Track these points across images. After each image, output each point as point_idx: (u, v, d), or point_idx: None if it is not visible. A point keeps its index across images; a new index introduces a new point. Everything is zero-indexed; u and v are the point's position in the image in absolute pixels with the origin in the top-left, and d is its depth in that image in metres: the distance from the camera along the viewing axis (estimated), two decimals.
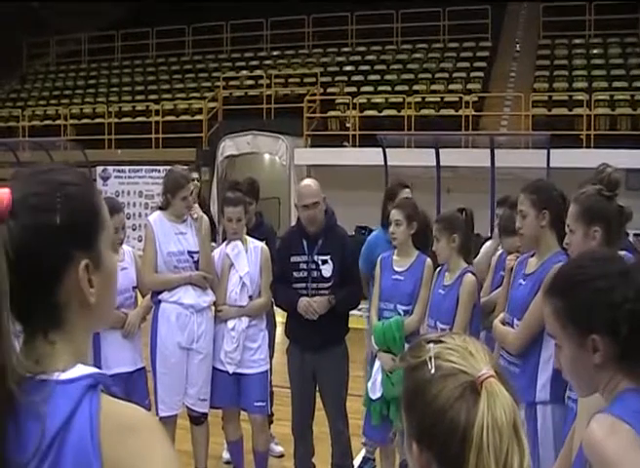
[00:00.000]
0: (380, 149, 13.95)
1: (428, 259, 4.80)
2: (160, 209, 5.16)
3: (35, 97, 23.14)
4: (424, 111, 16.76)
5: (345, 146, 16.32)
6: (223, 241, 5.32)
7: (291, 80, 19.49)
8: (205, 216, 5.22)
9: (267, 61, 21.36)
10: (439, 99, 17.21)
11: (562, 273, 1.95)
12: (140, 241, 13.12)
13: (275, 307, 5.55)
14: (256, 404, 5.10)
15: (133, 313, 4.87)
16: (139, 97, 21.12)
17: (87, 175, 1.34)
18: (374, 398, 4.76)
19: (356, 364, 5.29)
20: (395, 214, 4.82)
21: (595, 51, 18.40)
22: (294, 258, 4.98)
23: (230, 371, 5.05)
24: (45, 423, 1.08)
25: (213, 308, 5.14)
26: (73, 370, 1.14)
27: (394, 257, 4.89)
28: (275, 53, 21.79)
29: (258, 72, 20.26)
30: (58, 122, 19.87)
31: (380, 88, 18.28)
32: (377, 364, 4.78)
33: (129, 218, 13.83)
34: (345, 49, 21.21)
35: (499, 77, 18.64)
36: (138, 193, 17.26)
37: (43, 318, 1.17)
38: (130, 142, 18.06)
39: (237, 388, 5.11)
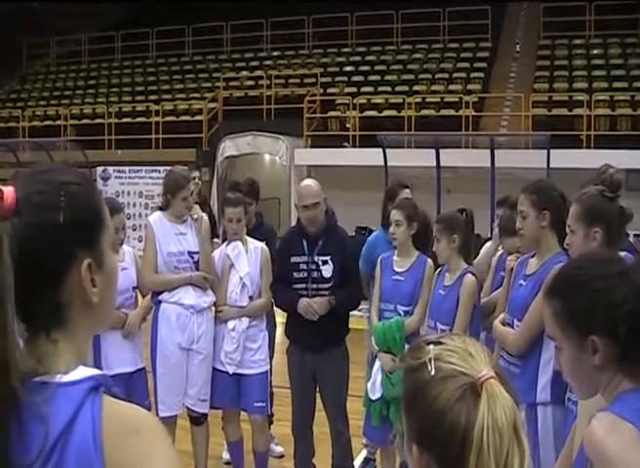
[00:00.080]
0: (381, 150, 13.95)
1: (429, 260, 4.80)
2: (160, 209, 5.16)
3: (35, 98, 23.14)
4: (424, 112, 16.77)
5: (345, 147, 16.32)
6: (224, 241, 5.32)
7: (291, 80, 19.51)
8: (205, 217, 5.22)
9: (267, 62, 21.37)
10: (439, 100, 17.22)
11: (561, 274, 1.95)
12: (140, 241, 13.12)
13: (275, 308, 5.55)
14: (256, 404, 5.09)
15: (133, 313, 4.87)
16: (139, 98, 21.12)
17: (88, 176, 1.34)
18: (373, 398, 4.76)
19: (356, 364, 5.29)
20: (395, 215, 4.82)
21: (595, 51, 18.40)
22: (294, 259, 4.98)
23: (230, 372, 5.05)
24: (48, 425, 1.08)
25: (213, 309, 5.14)
26: (75, 373, 1.14)
27: (394, 258, 4.89)
28: (275, 53, 21.80)
29: (258, 73, 20.27)
30: (58, 122, 19.87)
31: (380, 88, 18.28)
32: (376, 364, 4.78)
33: (129, 219, 13.82)
34: (345, 49, 21.22)
35: (499, 77, 18.64)
36: (138, 193, 17.27)
37: (46, 317, 1.17)
38: (130, 143, 18.07)
39: (237, 388, 5.11)
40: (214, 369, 5.08)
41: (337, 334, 5.02)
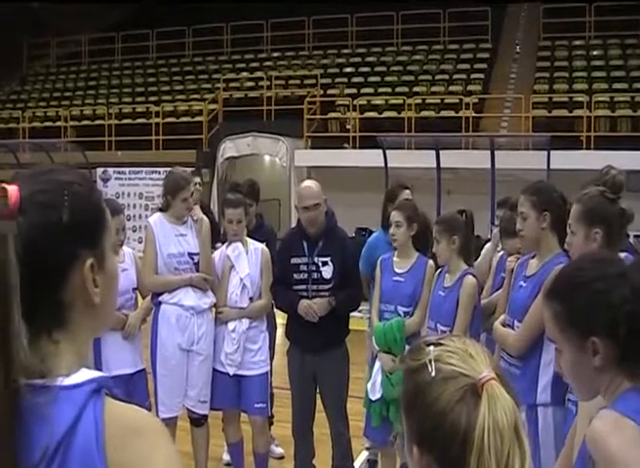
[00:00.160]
0: (381, 151, 13.95)
1: (430, 261, 4.79)
2: (160, 210, 5.16)
3: (35, 99, 23.16)
4: (425, 113, 16.78)
5: (346, 148, 16.33)
6: (224, 242, 5.32)
7: (291, 82, 19.52)
8: (205, 218, 5.22)
9: (268, 63, 21.38)
10: (439, 101, 17.22)
11: (561, 276, 1.95)
12: (140, 242, 13.13)
13: (275, 309, 5.55)
14: (256, 405, 5.09)
15: (133, 314, 4.87)
16: (139, 99, 21.13)
17: (88, 177, 1.34)
18: (373, 399, 4.76)
19: (357, 365, 5.29)
20: (395, 216, 4.83)
21: (595, 52, 18.40)
22: (294, 260, 4.98)
23: (231, 373, 5.05)
24: (51, 428, 1.08)
25: (213, 310, 5.14)
26: (77, 375, 1.14)
27: (394, 259, 4.89)
28: (275, 54, 21.80)
29: (258, 74, 20.29)
30: (58, 123, 19.88)
31: (380, 89, 18.29)
32: (377, 365, 4.78)
33: (129, 220, 13.82)
34: (345, 50, 21.23)
35: (499, 79, 18.65)
36: (138, 195, 17.28)
37: (47, 316, 1.17)
38: (130, 144, 18.06)
39: (237, 390, 5.11)
40: (214, 370, 5.08)
41: (337, 336, 5.02)
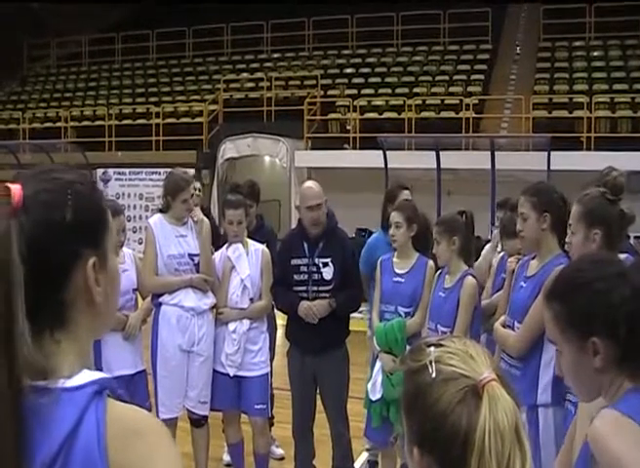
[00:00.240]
0: (381, 152, 13.95)
1: (430, 261, 4.79)
2: (160, 211, 5.16)
3: (36, 100, 23.16)
4: (425, 114, 16.79)
5: (346, 149, 16.33)
6: (224, 243, 5.32)
7: (291, 82, 19.52)
8: (205, 219, 5.22)
9: (268, 64, 21.40)
10: (439, 102, 17.22)
11: (561, 277, 1.96)
12: (140, 243, 13.12)
13: (276, 310, 5.55)
14: (256, 406, 5.09)
15: (133, 315, 4.87)
16: (139, 100, 21.13)
17: (90, 176, 1.35)
18: (374, 399, 4.76)
19: (357, 366, 5.29)
20: (395, 217, 4.83)
21: (595, 53, 18.41)
22: (294, 261, 4.98)
23: (231, 374, 5.04)
24: (53, 430, 1.09)
25: (213, 311, 5.14)
26: (79, 377, 1.14)
27: (394, 260, 4.89)
28: (276, 55, 21.81)
29: (258, 74, 20.30)
30: (58, 124, 19.88)
31: (380, 90, 18.30)
32: (377, 365, 4.78)
33: (129, 221, 13.82)
34: (346, 51, 21.23)
35: (499, 80, 18.65)
36: (138, 195, 17.28)
37: (50, 316, 1.17)
38: (130, 145, 18.07)
39: (238, 391, 5.11)
40: (214, 371, 5.08)
41: (337, 337, 5.02)
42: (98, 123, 19.61)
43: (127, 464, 1.09)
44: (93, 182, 1.32)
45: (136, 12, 24.59)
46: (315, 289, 4.93)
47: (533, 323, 3.49)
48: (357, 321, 5.65)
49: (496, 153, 13.31)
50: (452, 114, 16.48)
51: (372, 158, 14.33)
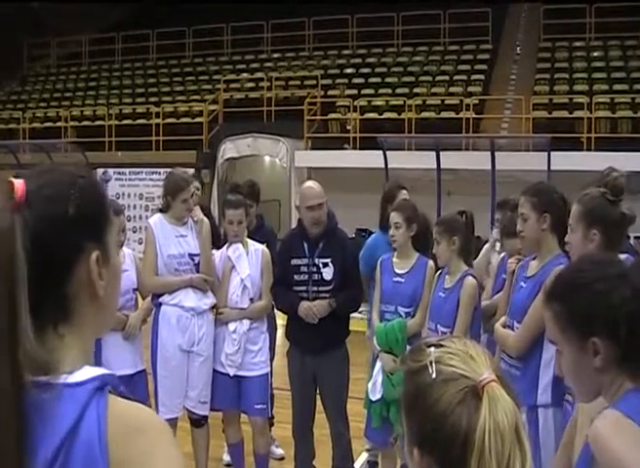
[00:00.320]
0: (381, 152, 13.94)
1: (430, 261, 4.79)
2: (160, 211, 5.16)
3: (36, 100, 23.16)
4: (425, 114, 16.79)
5: (346, 149, 16.32)
6: (224, 243, 5.32)
7: (291, 82, 19.52)
8: (205, 219, 5.22)
9: (268, 64, 21.40)
10: (440, 102, 17.22)
11: (561, 277, 1.96)
12: (140, 243, 13.12)
13: (276, 310, 5.55)
14: (256, 406, 5.09)
15: (133, 315, 4.87)
16: (139, 100, 21.13)
17: (92, 172, 1.35)
18: (374, 399, 4.76)
19: (357, 366, 5.29)
20: (395, 217, 4.82)
21: (596, 53, 18.41)
22: (294, 261, 4.98)
23: (231, 374, 5.04)
24: (54, 425, 1.09)
25: (213, 311, 5.14)
26: (80, 373, 1.14)
27: (394, 260, 4.89)
28: (276, 55, 21.81)
29: (258, 74, 20.30)
30: (58, 124, 19.88)
31: (380, 90, 18.29)
32: (377, 365, 4.78)
33: (129, 221, 13.83)
34: (346, 51, 21.23)
35: (499, 80, 18.65)
36: (138, 195, 17.28)
37: (53, 310, 1.17)
38: (130, 145, 18.07)
39: (238, 391, 5.11)
40: (214, 371, 5.08)
41: (337, 337, 5.02)
42: (98, 123, 19.61)
43: (128, 460, 1.09)
44: (95, 178, 1.33)
45: (136, 12, 24.60)
46: (315, 289, 4.92)
47: (532, 322, 3.49)
48: (357, 321, 5.65)
49: (496, 153, 13.30)
50: (452, 114, 16.48)
51: (372, 158, 14.33)
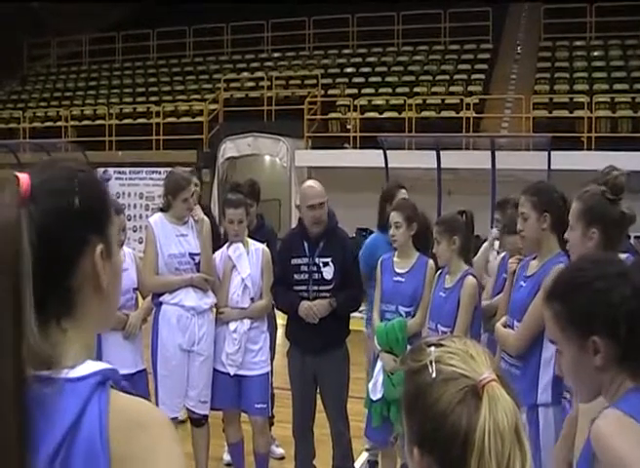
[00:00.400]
0: (381, 151, 13.95)
1: (431, 261, 4.79)
2: (161, 210, 5.16)
3: (36, 99, 23.16)
4: (425, 113, 16.79)
5: (346, 148, 16.33)
6: (225, 243, 5.32)
7: (292, 82, 19.53)
8: (206, 218, 5.22)
9: (268, 63, 21.40)
10: (440, 101, 17.23)
11: (561, 276, 1.96)
12: (140, 243, 13.13)
13: (276, 309, 5.55)
14: (256, 406, 5.09)
15: (134, 314, 4.87)
16: (139, 99, 21.14)
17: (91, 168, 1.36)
18: (374, 399, 4.76)
19: (357, 366, 5.29)
20: (395, 217, 4.82)
21: (596, 53, 18.41)
22: (295, 261, 4.98)
23: (231, 373, 5.04)
24: (56, 420, 1.09)
25: (214, 310, 5.14)
26: (82, 368, 1.14)
27: (395, 259, 4.89)
28: (276, 54, 21.81)
29: (258, 74, 20.30)
30: (58, 123, 19.89)
31: (380, 90, 18.30)
32: (378, 365, 4.77)
33: (129, 220, 13.81)
34: (346, 51, 21.24)
35: (499, 79, 18.65)
36: (138, 195, 17.28)
37: (57, 303, 1.18)
38: (130, 144, 18.07)
39: (238, 390, 5.10)
40: (215, 370, 5.08)
41: (337, 336, 5.02)
42: (98, 122, 19.62)
43: (129, 456, 1.09)
44: (96, 174, 1.34)
45: (136, 11, 24.60)
46: (316, 288, 4.92)
47: (532, 321, 3.49)
48: (357, 320, 5.66)
49: (496, 153, 13.31)
50: (452, 114, 16.48)
51: (372, 157, 14.33)
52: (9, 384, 1.09)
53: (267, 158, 18.18)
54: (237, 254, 5.10)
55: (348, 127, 16.89)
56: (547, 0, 19.51)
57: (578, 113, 15.46)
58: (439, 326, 4.38)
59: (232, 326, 5.04)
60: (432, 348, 1.30)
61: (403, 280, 4.79)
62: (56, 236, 1.16)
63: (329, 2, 20.47)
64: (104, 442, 1.09)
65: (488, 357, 1.29)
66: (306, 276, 4.94)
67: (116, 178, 17.47)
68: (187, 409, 5.13)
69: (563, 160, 12.66)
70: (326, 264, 4.93)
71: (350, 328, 5.20)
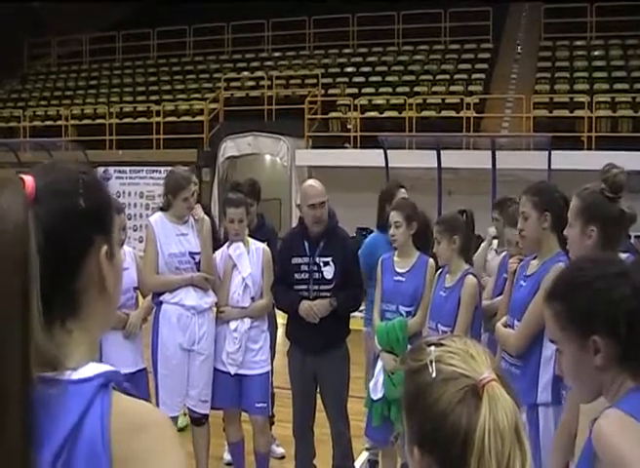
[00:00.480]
0: (382, 151, 13.96)
1: (431, 260, 4.79)
2: (161, 210, 5.16)
3: (36, 98, 23.16)
4: (426, 113, 16.78)
5: (346, 148, 16.33)
6: (225, 242, 5.32)
7: (292, 81, 19.53)
8: (206, 217, 5.22)
9: (269, 62, 21.39)
10: (440, 101, 17.23)
11: (562, 276, 1.96)
12: (140, 242, 13.13)
13: (276, 309, 5.55)
14: (257, 405, 5.09)
15: (134, 314, 4.87)
16: (140, 98, 21.14)
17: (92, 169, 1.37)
18: (375, 399, 4.76)
19: (357, 365, 5.29)
20: (394, 216, 4.82)
21: (596, 53, 18.40)
22: (295, 260, 4.98)
23: (232, 373, 5.04)
24: (59, 421, 1.09)
25: (214, 309, 5.14)
26: (85, 369, 1.15)
27: (395, 259, 4.89)
28: (276, 54, 21.81)
29: (259, 73, 20.29)
30: (59, 122, 19.88)
31: (381, 89, 18.30)
32: (379, 364, 4.78)
33: (130, 219, 13.78)
34: (347, 50, 21.24)
35: (500, 79, 18.65)
36: (139, 194, 17.29)
37: (62, 305, 1.18)
38: (131, 143, 18.08)
39: (238, 389, 5.10)
40: (215, 369, 5.08)
41: (337, 336, 5.01)
42: (98, 121, 19.62)
43: (131, 457, 1.10)
44: (97, 175, 1.35)
45: (137, 10, 24.60)
46: (316, 288, 4.92)
47: (531, 319, 3.50)
48: (357, 320, 5.66)
49: (496, 152, 13.32)
50: (452, 113, 16.48)
51: (372, 157, 14.34)
52: (16, 385, 1.09)
53: (268, 157, 18.18)
54: (238, 254, 5.10)
55: (349, 126, 16.90)
56: (548, 0, 19.50)
57: (578, 113, 15.46)
58: (439, 325, 4.38)
59: (233, 325, 5.05)
60: (432, 348, 1.30)
61: (403, 279, 4.79)
62: (62, 237, 1.16)
63: (329, 1, 20.46)
64: (106, 443, 1.09)
65: (488, 357, 1.29)
66: (307, 275, 4.94)
67: (116, 177, 17.48)
68: (188, 409, 5.12)
69: (563, 160, 12.66)
70: (326, 264, 4.93)
71: (350, 327, 5.19)
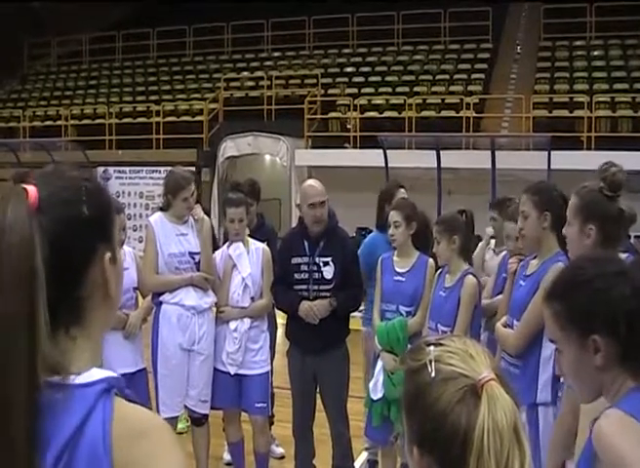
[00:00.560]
0: (381, 151, 13.95)
1: (431, 260, 4.79)
2: (161, 210, 5.16)
3: (36, 98, 23.16)
4: (425, 113, 16.78)
5: (346, 148, 16.33)
6: (225, 242, 5.32)
7: (292, 81, 19.52)
8: (206, 217, 5.22)
9: (268, 62, 21.39)
10: (440, 101, 17.23)
11: (561, 276, 1.96)
12: (140, 242, 13.13)
13: (276, 309, 5.55)
14: (257, 405, 5.09)
15: (134, 314, 4.87)
16: (139, 98, 21.14)
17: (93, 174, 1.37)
18: (375, 398, 4.76)
19: (357, 365, 5.29)
20: (394, 216, 4.82)
21: (596, 53, 18.40)
22: (295, 260, 4.98)
23: (232, 373, 5.04)
24: (62, 426, 1.10)
25: (214, 309, 5.14)
26: (88, 374, 1.15)
27: (395, 258, 4.89)
28: (276, 54, 21.81)
29: (258, 73, 20.29)
30: (58, 122, 19.88)
31: (380, 89, 18.30)
32: (379, 364, 4.78)
33: (129, 219, 13.81)
34: (346, 50, 21.24)
35: (499, 79, 18.65)
36: (138, 194, 17.29)
37: (67, 312, 1.18)
38: (131, 143, 18.08)
39: (238, 389, 5.10)
40: (215, 369, 5.08)
41: (337, 336, 5.01)
42: (98, 121, 19.62)
43: (131, 462, 1.10)
44: (98, 180, 1.36)
45: (137, 10, 24.60)
46: (316, 288, 4.92)
47: (531, 319, 3.50)
48: (357, 320, 5.66)
49: (496, 152, 13.31)
50: (452, 113, 16.48)
51: (372, 157, 14.33)
52: (22, 394, 1.09)
53: (267, 157, 18.18)
54: (237, 254, 5.10)
55: (348, 126, 16.90)
56: (547, 0, 19.50)
57: (578, 113, 15.46)
58: (439, 325, 4.38)
59: (232, 325, 5.05)
60: (432, 347, 1.30)
61: (403, 279, 4.79)
62: (66, 245, 1.17)
63: (329, 1, 20.46)
64: (107, 448, 1.10)
65: (487, 356, 1.29)
66: (307, 275, 4.94)
67: (116, 177, 17.48)
68: (188, 409, 5.12)
69: (563, 160, 12.66)
70: (326, 264, 4.93)
71: (350, 327, 5.19)
